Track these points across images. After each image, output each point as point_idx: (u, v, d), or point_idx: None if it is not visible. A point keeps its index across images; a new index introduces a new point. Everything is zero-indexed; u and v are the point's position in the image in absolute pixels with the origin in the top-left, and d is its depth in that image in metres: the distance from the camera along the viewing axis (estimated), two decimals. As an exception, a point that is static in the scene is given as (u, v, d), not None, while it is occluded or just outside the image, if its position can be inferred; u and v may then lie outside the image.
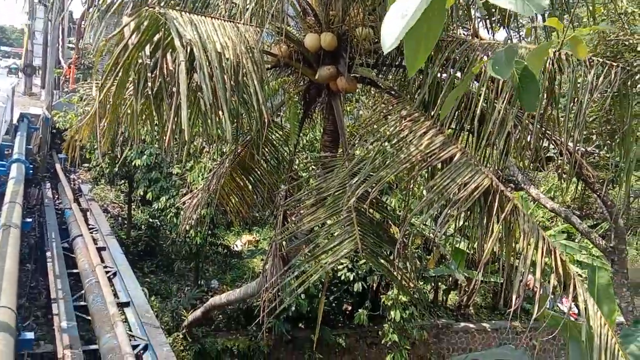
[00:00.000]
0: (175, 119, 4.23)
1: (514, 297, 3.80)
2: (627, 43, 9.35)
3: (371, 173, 4.72)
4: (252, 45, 4.50)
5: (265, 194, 7.98)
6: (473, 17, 6.47)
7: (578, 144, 4.94)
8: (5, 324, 4.21)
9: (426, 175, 5.74)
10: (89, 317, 7.28)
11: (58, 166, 15.05)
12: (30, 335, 4.78)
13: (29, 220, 7.89)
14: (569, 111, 4.45)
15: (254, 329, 12.73)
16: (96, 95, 4.42)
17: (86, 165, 15.21)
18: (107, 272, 8.67)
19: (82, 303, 7.85)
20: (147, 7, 4.08)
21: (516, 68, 1.38)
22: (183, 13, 4.22)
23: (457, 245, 13.28)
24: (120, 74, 4.19)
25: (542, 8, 1.13)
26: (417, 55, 1.20)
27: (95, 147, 12.10)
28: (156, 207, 12.97)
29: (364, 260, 11.20)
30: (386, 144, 4.95)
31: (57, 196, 13.83)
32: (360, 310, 13.11)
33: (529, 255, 3.95)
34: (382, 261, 5.54)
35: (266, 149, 7.75)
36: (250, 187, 8.06)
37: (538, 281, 3.79)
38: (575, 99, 4.55)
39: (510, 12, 6.24)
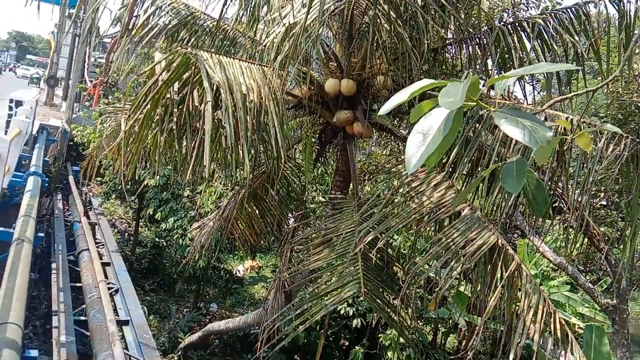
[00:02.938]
0: (198, 153, 4.40)
1: (511, 356, 3.86)
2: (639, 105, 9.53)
3: (381, 219, 4.83)
4: (275, 89, 4.69)
5: (274, 224, 8.09)
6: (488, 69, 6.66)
7: (585, 207, 5.01)
8: (12, 341, 4.30)
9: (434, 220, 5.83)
10: (88, 333, 7.35)
11: (71, 178, 15.26)
12: (34, 353, 4.86)
13: (41, 234, 8.03)
14: (577, 176, 4.56)
15: (249, 357, 12.66)
16: (123, 126, 4.61)
17: (99, 179, 15.44)
18: (109, 289, 8.76)
19: (83, 318, 7.93)
20: (179, 47, 4.28)
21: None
22: (213, 55, 4.41)
23: (459, 289, 13.22)
24: (148, 106, 4.37)
25: (546, 139, 1.26)
26: (431, 157, 1.32)
27: (110, 163, 12.31)
28: (164, 227, 13.08)
29: (365, 297, 11.18)
30: (398, 192, 5.07)
31: (67, 208, 14.01)
32: (357, 347, 13.00)
33: (528, 317, 4.02)
34: (384, 305, 5.59)
35: (278, 180, 7.90)
36: (259, 215, 8.18)
37: (536, 344, 3.85)
38: (584, 165, 4.66)
39: (525, 64, 6.44)
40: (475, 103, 1.43)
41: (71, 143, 16.35)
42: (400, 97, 1.51)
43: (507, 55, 6.41)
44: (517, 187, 1.41)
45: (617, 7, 5.56)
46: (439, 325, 16.36)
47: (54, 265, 9.55)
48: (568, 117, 4.77)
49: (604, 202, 12.07)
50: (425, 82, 1.49)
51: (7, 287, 5.09)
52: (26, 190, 8.95)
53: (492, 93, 5.84)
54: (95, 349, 6.71)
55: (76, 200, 13.43)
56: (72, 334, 7.30)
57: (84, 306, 8.16)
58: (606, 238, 9.11)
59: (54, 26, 26.90)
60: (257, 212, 8.09)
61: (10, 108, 13.95)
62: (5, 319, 4.48)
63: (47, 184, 11.77)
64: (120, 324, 7.79)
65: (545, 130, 1.30)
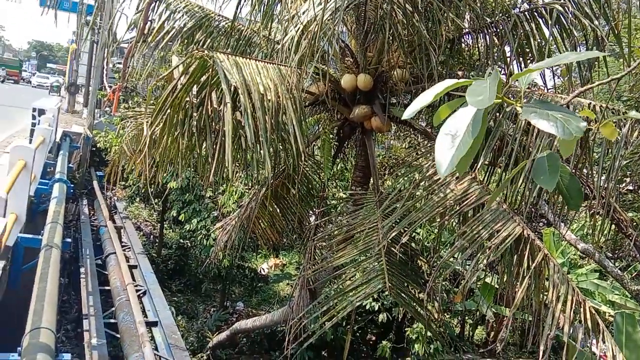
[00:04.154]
0: (219, 155, 4.43)
1: (541, 348, 3.81)
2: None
3: (404, 214, 4.80)
4: (292, 87, 4.69)
5: (295, 222, 8.12)
6: (507, 56, 6.56)
7: (611, 193, 4.91)
8: (45, 345, 4.40)
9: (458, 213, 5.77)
10: (118, 335, 7.49)
11: (95, 183, 15.52)
12: (67, 356, 4.96)
13: (68, 240, 8.19)
14: (602, 162, 4.47)
15: (277, 354, 12.75)
16: (145, 131, 4.66)
17: (122, 183, 15.67)
18: (137, 291, 8.90)
19: (112, 320, 8.08)
20: (196, 50, 4.31)
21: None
22: (229, 56, 4.43)
23: (486, 280, 13.10)
24: (169, 111, 4.42)
25: (581, 130, 1.23)
26: (462, 162, 1.30)
27: (133, 167, 12.48)
28: (187, 229, 13.22)
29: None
30: (420, 185, 5.03)
31: (93, 212, 14.26)
32: (384, 342, 12.98)
33: (557, 308, 3.96)
34: (409, 300, 5.57)
35: (298, 178, 7.91)
36: (280, 214, 8.22)
37: (566, 335, 3.79)
38: (609, 150, 4.57)
39: (544, 51, 6.31)
40: (500, 100, 1.40)
41: (94, 149, 16.64)
42: (424, 99, 1.50)
43: (525, 42, 6.30)
44: (552, 183, 1.38)
45: (637, -12, 5.42)
46: (466, 318, 16.25)
47: (82, 270, 9.74)
48: (591, 103, 4.68)
49: (631, 187, 11.80)
50: (448, 82, 1.48)
51: (38, 293, 5.20)
52: (52, 197, 9.12)
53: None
54: (126, 350, 6.84)
55: (101, 205, 13.66)
56: (102, 337, 7.44)
57: (113, 309, 8.31)
58: (634, 224, 8.92)
59: (72, 34, 27.28)
60: (278, 210, 8.12)
61: (34, 117, 14.22)
62: (38, 324, 4.59)
63: (72, 190, 11.97)
64: (149, 325, 7.91)
65: (578, 121, 1.27)
